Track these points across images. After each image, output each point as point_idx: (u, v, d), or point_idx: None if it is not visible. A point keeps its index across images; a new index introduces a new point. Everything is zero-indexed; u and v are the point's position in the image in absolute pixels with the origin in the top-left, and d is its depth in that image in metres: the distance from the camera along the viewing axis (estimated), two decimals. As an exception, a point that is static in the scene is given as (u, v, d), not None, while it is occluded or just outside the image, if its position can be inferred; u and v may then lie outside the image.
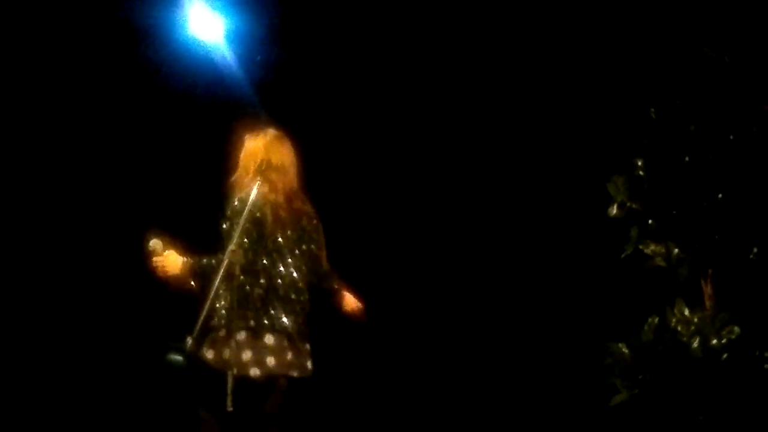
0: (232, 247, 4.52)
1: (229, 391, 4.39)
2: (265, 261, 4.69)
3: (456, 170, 6.95)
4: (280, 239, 4.73)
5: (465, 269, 6.90)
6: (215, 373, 4.53)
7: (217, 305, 4.62)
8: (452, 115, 6.90)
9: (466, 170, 6.93)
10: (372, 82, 6.86)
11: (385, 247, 6.99)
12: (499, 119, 6.81)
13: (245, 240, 4.64)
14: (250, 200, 4.61)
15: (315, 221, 4.88)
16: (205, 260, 4.71)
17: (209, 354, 4.59)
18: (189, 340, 4.45)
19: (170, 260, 4.73)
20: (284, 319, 4.64)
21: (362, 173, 7.05)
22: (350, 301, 4.90)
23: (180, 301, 5.03)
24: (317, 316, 4.87)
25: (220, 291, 4.59)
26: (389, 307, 6.82)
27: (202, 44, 6.77)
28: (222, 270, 4.48)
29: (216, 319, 4.62)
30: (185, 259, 4.73)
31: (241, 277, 4.60)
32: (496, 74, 6.71)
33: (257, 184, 4.65)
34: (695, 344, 4.68)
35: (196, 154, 6.91)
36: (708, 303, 4.86)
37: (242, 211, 4.61)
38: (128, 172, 7.01)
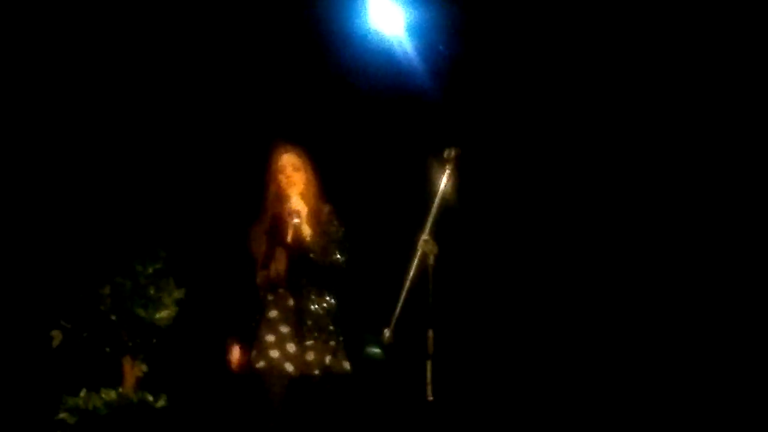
0: (425, 236, 4.49)
1: (429, 380, 4.36)
2: None
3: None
4: None
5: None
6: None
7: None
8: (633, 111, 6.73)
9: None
10: (560, 72, 6.74)
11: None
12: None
13: None
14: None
15: None
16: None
17: None
18: (386, 333, 4.45)
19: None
20: None
21: (548, 160, 6.95)
22: None
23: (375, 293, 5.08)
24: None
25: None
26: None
27: (383, 37, 6.76)
28: (416, 260, 4.46)
29: None
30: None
31: None
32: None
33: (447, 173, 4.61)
34: None
35: (380, 149, 6.95)
36: None
37: None
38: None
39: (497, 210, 6.85)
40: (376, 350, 4.76)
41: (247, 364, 4.88)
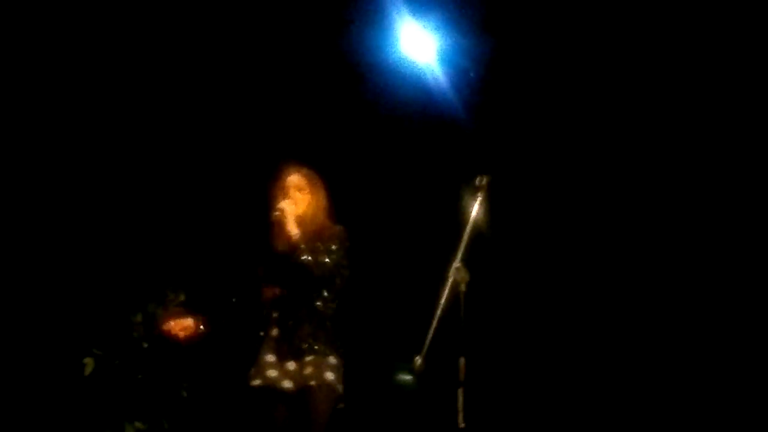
0: (456, 263, 4.48)
1: (460, 407, 4.33)
2: None
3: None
4: None
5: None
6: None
7: None
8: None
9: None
10: (592, 98, 6.73)
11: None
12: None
13: None
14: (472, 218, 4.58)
15: None
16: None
17: None
18: (418, 360, 4.43)
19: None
20: None
21: (579, 186, 6.94)
22: None
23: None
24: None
25: None
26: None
27: (414, 64, 6.78)
28: (448, 287, 4.45)
29: None
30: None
31: None
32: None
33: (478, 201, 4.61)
34: None
35: (412, 176, 6.95)
36: None
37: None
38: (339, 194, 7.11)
39: (529, 237, 6.83)
40: (408, 377, 4.73)
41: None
